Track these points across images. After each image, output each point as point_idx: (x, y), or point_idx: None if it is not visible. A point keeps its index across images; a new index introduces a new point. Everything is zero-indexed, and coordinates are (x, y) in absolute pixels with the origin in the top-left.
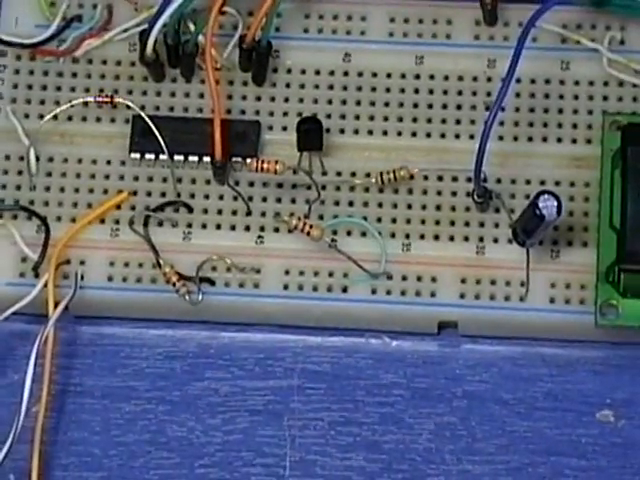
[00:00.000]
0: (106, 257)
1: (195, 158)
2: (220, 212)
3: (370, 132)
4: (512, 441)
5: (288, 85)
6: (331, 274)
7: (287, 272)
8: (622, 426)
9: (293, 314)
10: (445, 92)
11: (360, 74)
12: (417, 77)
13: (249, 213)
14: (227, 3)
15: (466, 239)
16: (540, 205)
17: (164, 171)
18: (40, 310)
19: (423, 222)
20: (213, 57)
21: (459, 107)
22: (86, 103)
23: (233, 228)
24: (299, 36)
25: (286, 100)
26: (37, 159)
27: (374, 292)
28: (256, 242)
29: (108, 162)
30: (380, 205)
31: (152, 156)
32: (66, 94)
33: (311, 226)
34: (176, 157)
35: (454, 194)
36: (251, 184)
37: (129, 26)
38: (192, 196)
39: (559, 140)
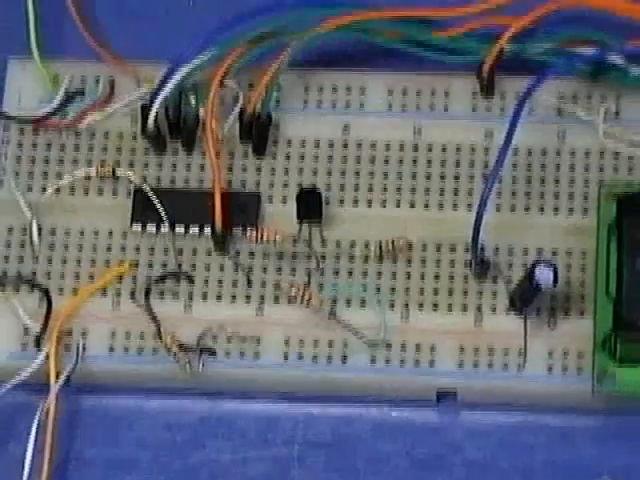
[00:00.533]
0: (108, 328)
1: (196, 229)
2: (221, 282)
3: (369, 203)
4: None
5: (288, 156)
6: (331, 343)
7: (287, 342)
8: None
9: (293, 383)
10: (443, 163)
11: (359, 145)
12: (415, 148)
13: (249, 283)
14: (227, 76)
15: (464, 308)
16: (536, 274)
17: (165, 243)
18: (42, 381)
19: (422, 292)
20: (214, 130)
21: (457, 178)
22: (88, 176)
23: (234, 298)
24: (299, 108)
25: (286, 171)
26: (39, 231)
27: (373, 361)
28: (256, 312)
29: (110, 234)
30: (379, 275)
31: (153, 228)
32: (68, 167)
33: (310, 296)
34: (177, 228)
35: (452, 264)
36: (251, 255)
37: (131, 100)
38: (193, 267)
39: (556, 210)
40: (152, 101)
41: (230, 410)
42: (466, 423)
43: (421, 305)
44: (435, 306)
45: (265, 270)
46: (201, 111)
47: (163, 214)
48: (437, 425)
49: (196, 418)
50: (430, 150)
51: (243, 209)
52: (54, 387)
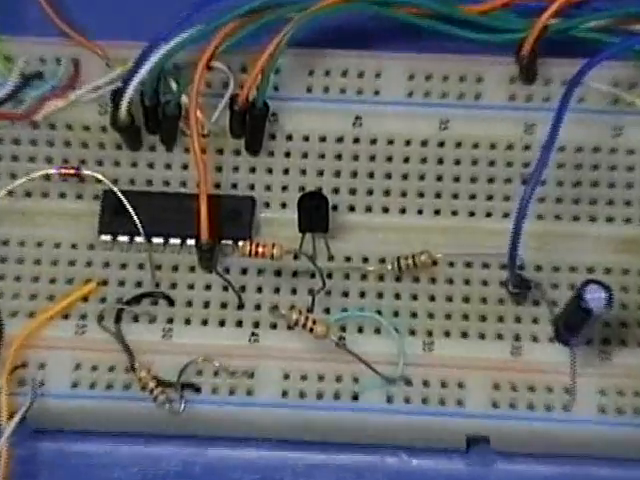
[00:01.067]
0: (71, 359)
1: (177, 241)
2: (207, 305)
3: (385, 210)
4: None
5: (288, 154)
6: (339, 379)
7: (286, 376)
8: None
9: (293, 427)
10: (474, 162)
11: (373, 141)
12: (441, 145)
13: (241, 306)
14: (215, 57)
15: (499, 337)
16: (587, 297)
17: (140, 256)
18: None
19: (448, 317)
20: (199, 121)
21: (491, 180)
22: (48, 176)
23: (222, 324)
24: (301, 96)
25: (286, 172)
26: None
27: (390, 400)
28: (250, 340)
29: (73, 246)
30: (397, 297)
31: (126, 238)
32: (24, 165)
33: (315, 321)
34: (154, 239)
35: (485, 284)
36: (244, 271)
37: (99, 84)
38: (173, 286)
39: (609, 220)
40: (125, 86)
41: (217, 458)
42: (501, 475)
43: (447, 333)
44: (464, 334)
45: (260, 290)
46: (184, 99)
47: (138, 222)
48: (467, 477)
49: (177, 467)
50: (459, 147)
51: (234, 217)
52: (7, 429)
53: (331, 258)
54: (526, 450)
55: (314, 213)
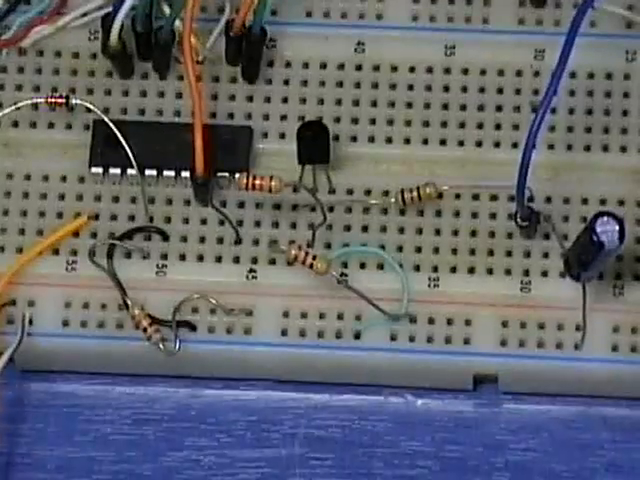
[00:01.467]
0: (61, 296)
1: (171, 173)
2: (202, 240)
3: (389, 140)
4: None
5: (287, 82)
6: (340, 316)
7: (286, 314)
8: None
9: (293, 367)
10: (482, 90)
11: (376, 68)
12: (447, 71)
13: (239, 241)
14: None
15: (508, 272)
16: (599, 230)
17: (133, 189)
18: None
19: (454, 252)
20: (193, 47)
21: (499, 108)
22: (36, 105)
23: (219, 260)
24: (300, 21)
25: (284, 101)
26: None
27: (394, 339)
28: (247, 277)
29: (63, 178)
30: (401, 231)
31: (118, 171)
32: (11, 94)
33: (315, 257)
34: (147, 172)
35: (492, 217)
36: (241, 205)
37: (89, 9)
38: (168, 220)
39: (623, 150)
40: (116, 11)
41: (214, 400)
42: (510, 416)
43: (454, 268)
44: (471, 269)
45: (258, 224)
46: (177, 23)
47: (130, 154)
48: (474, 418)
49: (172, 410)
50: (465, 74)
51: (231, 148)
52: None
53: (332, 191)
54: (535, 390)
55: (314, 144)
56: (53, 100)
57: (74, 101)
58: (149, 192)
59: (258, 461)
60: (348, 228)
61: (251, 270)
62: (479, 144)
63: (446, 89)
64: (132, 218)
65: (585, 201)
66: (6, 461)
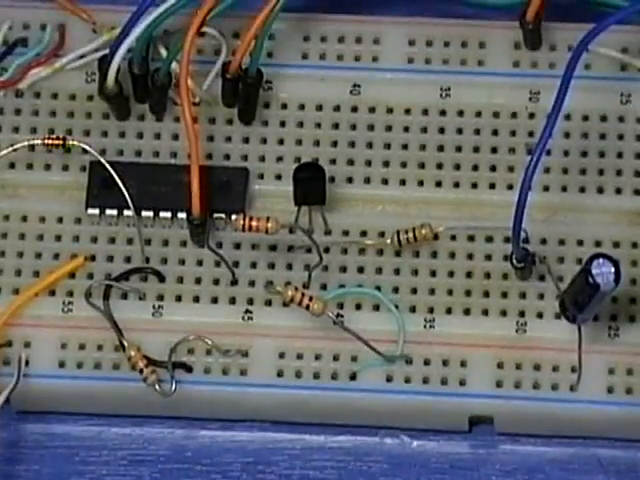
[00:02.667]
0: (57, 337)
1: (168, 214)
2: (199, 281)
3: (384, 181)
4: None
5: (283, 124)
6: (336, 357)
7: (282, 355)
8: None
9: (289, 408)
10: (477, 132)
11: (372, 110)
12: (442, 113)
13: (235, 282)
14: (207, 23)
15: (503, 314)
16: (594, 272)
17: (129, 231)
18: None
19: (450, 293)
20: (190, 89)
21: (494, 150)
22: (32, 147)
23: (215, 301)
24: (296, 63)
25: (280, 142)
26: None
27: (390, 380)
28: (243, 318)
29: (60, 219)
30: (397, 272)
31: (114, 212)
32: (7, 135)
33: (311, 298)
34: (144, 213)
35: (488, 258)
36: (237, 246)
37: (86, 51)
38: (164, 261)
39: (618, 191)
40: (113, 53)
41: (210, 441)
42: (505, 457)
43: (449, 309)
44: (467, 310)
45: (254, 265)
46: (174, 66)
47: (127, 195)
48: (470, 460)
49: (168, 450)
50: (461, 115)
51: (227, 189)
52: None
53: (328, 232)
54: (531, 431)
55: (310, 185)
56: (50, 142)
57: (71, 142)
58: (145, 233)
59: None
60: (344, 269)
61: (247, 311)
62: (474, 185)
63: (441, 131)
64: (128, 259)
65: (580, 243)
66: None
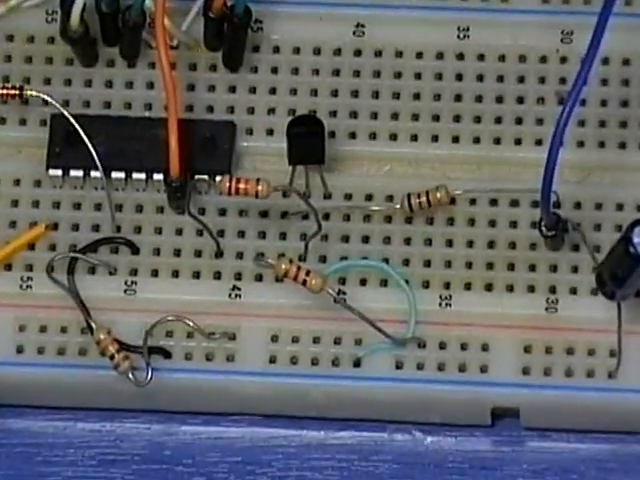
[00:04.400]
0: (14, 318)
1: (142, 176)
2: (178, 253)
3: (393, 137)
4: None
5: (275, 70)
6: (337, 341)
7: (275, 338)
8: None
9: (283, 399)
10: (500, 78)
11: (378, 53)
12: (460, 57)
13: (219, 254)
14: None
15: (531, 289)
16: (635, 240)
17: (97, 195)
18: None
19: (469, 265)
20: (167, 30)
21: (520, 100)
22: None
23: (197, 276)
24: (291, 0)
25: (272, 92)
26: None
27: (399, 366)
28: (230, 295)
29: (16, 182)
30: (408, 242)
31: (79, 173)
32: None
33: (308, 272)
34: (114, 174)
35: (513, 225)
36: (222, 212)
37: None
38: (138, 230)
39: None
40: None
41: (192, 438)
42: (533, 455)
43: (468, 285)
44: (489, 286)
45: (242, 235)
46: (148, 3)
47: (94, 153)
48: (492, 458)
49: (143, 450)
50: (481, 59)
51: (210, 147)
52: None
53: (328, 196)
54: (563, 426)
55: (307, 141)
56: (5, 91)
57: (29, 92)
58: (116, 198)
59: None
60: (346, 239)
61: (234, 287)
62: (497, 141)
63: (459, 77)
64: (96, 227)
65: (620, 207)
66: None
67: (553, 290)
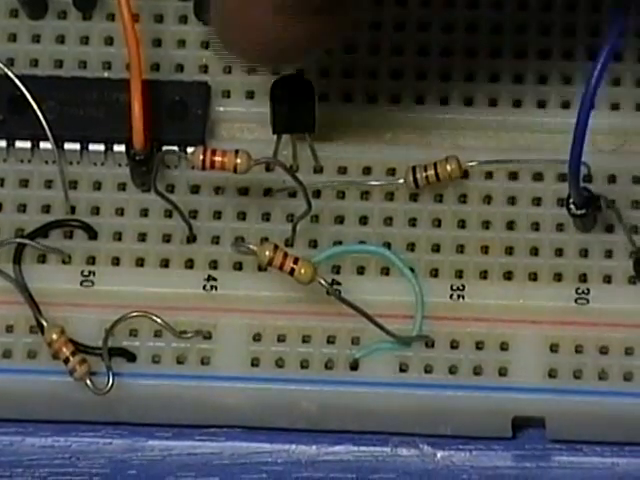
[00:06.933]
0: None
1: (100, 147)
2: (143, 238)
3: (394, 98)
4: None
5: None
6: (331, 340)
7: (257, 337)
8: None
9: (267, 409)
10: (521, 29)
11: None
12: (473, 5)
13: (192, 239)
14: None
15: (558, 278)
16: None
17: (48, 169)
18: None
19: (485, 250)
20: None
21: (544, 55)
22: None
23: (165, 265)
24: None
25: None
26: None
27: (404, 370)
28: (204, 287)
29: None
30: (413, 223)
31: (27, 144)
32: None
33: (296, 260)
34: (67, 145)
35: (536, 202)
36: (195, 190)
37: None
38: (96, 211)
39: None
40: None
41: (161, 454)
42: (561, 472)
43: (484, 273)
44: (508, 275)
45: (219, 216)
46: None
47: (43, 121)
48: (514, 476)
49: (104, 468)
50: (498, 8)
51: (181, 112)
52: None
53: (319, 170)
54: (594, 437)
55: (294, 105)
56: None
57: None
58: (70, 173)
59: None
60: (340, 220)
61: (209, 278)
62: (517, 103)
63: (471, 28)
64: (47, 208)
65: None
66: None
67: (584, 278)
